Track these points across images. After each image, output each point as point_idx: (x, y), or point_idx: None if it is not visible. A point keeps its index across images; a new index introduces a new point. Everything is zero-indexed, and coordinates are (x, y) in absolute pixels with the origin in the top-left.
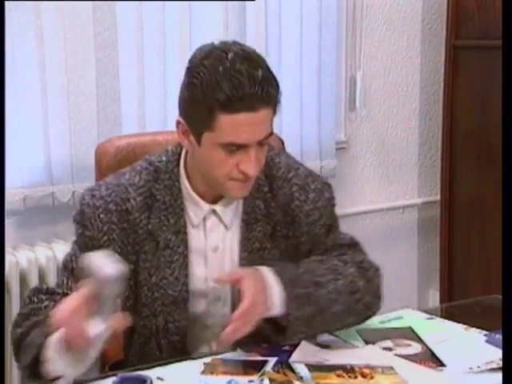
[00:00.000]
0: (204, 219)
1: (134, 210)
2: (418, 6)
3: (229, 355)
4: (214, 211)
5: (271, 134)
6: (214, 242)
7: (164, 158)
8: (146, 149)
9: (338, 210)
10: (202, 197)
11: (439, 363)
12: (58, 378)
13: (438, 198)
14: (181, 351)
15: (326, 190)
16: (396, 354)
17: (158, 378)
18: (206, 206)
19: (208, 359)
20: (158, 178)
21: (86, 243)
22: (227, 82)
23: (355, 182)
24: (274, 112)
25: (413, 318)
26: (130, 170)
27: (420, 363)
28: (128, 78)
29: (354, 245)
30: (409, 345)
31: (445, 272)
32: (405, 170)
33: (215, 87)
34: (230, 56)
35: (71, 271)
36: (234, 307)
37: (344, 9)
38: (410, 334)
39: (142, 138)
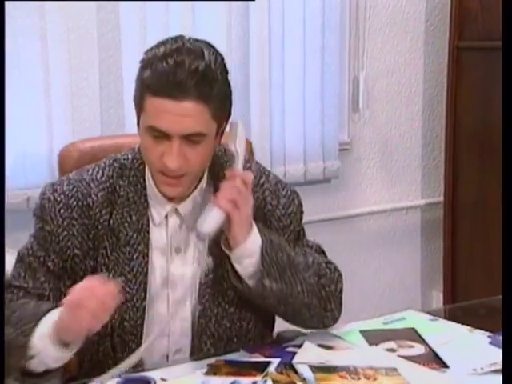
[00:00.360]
0: (166, 218)
1: (94, 205)
2: (422, 7)
3: (232, 356)
4: (176, 210)
5: (205, 134)
6: (176, 243)
7: (130, 156)
8: (109, 153)
9: (341, 212)
10: (166, 196)
11: (443, 365)
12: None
13: (442, 199)
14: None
15: (296, 197)
16: (399, 356)
17: (162, 379)
18: (169, 205)
19: (211, 360)
20: (122, 175)
21: (44, 237)
22: (159, 64)
23: (358, 183)
24: (214, 114)
25: (416, 320)
26: (94, 166)
27: (423, 364)
28: (131, 80)
29: (320, 251)
30: (412, 346)
31: (448, 273)
32: (408, 171)
33: (148, 68)
34: (178, 44)
35: (28, 264)
36: (195, 312)
37: (347, 9)
38: (414, 336)
39: (105, 141)
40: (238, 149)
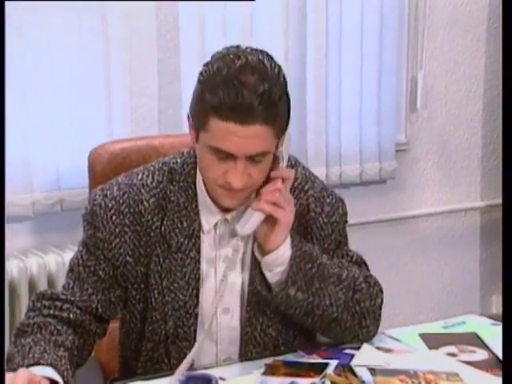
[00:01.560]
0: (215, 227)
1: (146, 212)
2: (484, 4)
3: (290, 357)
4: (225, 220)
5: (269, 152)
6: (224, 252)
7: (179, 160)
8: (141, 154)
9: (398, 213)
10: (217, 203)
11: None
12: None
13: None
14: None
15: (340, 205)
16: (460, 361)
17: (221, 378)
18: (219, 214)
19: (269, 360)
20: (172, 180)
21: (96, 244)
22: (224, 87)
23: (415, 184)
24: (276, 133)
25: (477, 324)
26: (143, 170)
27: (486, 371)
28: (189, 80)
29: (360, 263)
30: (474, 351)
31: None
32: (467, 172)
33: (213, 90)
34: (238, 63)
35: (78, 274)
36: (242, 321)
37: (406, 8)
38: (475, 340)
39: (136, 142)
40: (284, 152)
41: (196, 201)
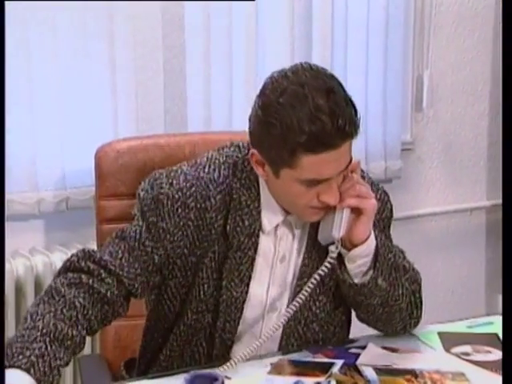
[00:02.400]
0: (276, 227)
1: (212, 209)
2: (491, 3)
3: (295, 356)
4: (287, 221)
5: (351, 159)
6: (282, 252)
7: (239, 154)
8: (149, 152)
9: (403, 212)
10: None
11: None
12: None
13: None
14: (226, 351)
15: (388, 200)
16: (472, 360)
17: (226, 377)
18: (282, 216)
19: (275, 359)
20: (235, 175)
21: (158, 233)
22: (309, 123)
23: (421, 183)
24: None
25: None
26: (208, 163)
27: (495, 371)
28: (195, 79)
29: (404, 256)
30: (489, 352)
31: None
32: (473, 171)
33: (296, 129)
34: (307, 90)
35: (132, 249)
36: (288, 320)
37: (412, 7)
38: (494, 341)
39: (142, 141)
40: None
41: (259, 200)
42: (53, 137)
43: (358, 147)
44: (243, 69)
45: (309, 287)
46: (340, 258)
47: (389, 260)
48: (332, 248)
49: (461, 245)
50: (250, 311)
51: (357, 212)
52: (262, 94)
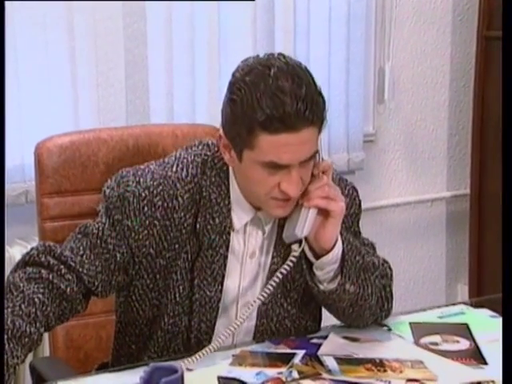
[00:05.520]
0: (246, 224)
1: (180, 208)
2: None
3: (257, 347)
4: (257, 218)
5: (316, 152)
6: (252, 248)
7: (209, 152)
8: (92, 147)
9: (366, 203)
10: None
11: (482, 361)
12: None
13: (468, 191)
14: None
15: (356, 195)
16: (440, 350)
17: (187, 369)
18: (252, 213)
19: (236, 351)
20: (204, 173)
21: (122, 231)
22: (268, 100)
23: (383, 174)
24: (320, 130)
25: (474, 315)
26: (176, 162)
27: (460, 359)
28: (157, 70)
29: (374, 249)
30: (457, 341)
31: (474, 266)
32: (433, 162)
33: (255, 106)
34: (272, 72)
35: (93, 246)
36: (259, 312)
37: (373, 0)
38: (464, 331)
39: (84, 135)
40: (320, 147)
41: (229, 197)
42: (12, 128)
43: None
44: (206, 60)
45: (271, 285)
46: (309, 263)
47: (357, 263)
48: (295, 247)
49: (422, 235)
50: (224, 310)
51: (325, 214)
52: (233, 74)
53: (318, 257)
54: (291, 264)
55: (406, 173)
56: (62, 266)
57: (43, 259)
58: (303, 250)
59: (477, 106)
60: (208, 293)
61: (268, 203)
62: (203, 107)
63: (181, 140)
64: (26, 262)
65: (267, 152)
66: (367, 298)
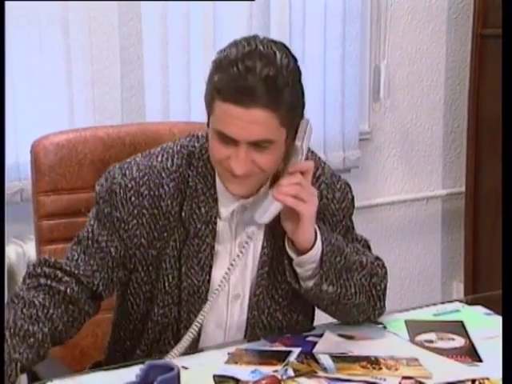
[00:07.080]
0: (233, 213)
1: (166, 196)
2: None
3: (253, 345)
4: (243, 206)
5: (273, 141)
6: (240, 238)
7: (196, 144)
8: (89, 145)
9: (361, 201)
10: (232, 193)
11: (477, 359)
12: None
13: (463, 189)
14: (195, 344)
15: (349, 190)
16: (435, 347)
17: (183, 367)
18: (237, 202)
19: (232, 349)
20: (190, 164)
21: (112, 223)
22: (229, 69)
23: (379, 172)
24: (283, 121)
25: (469, 313)
26: (162, 152)
27: (455, 357)
28: (152, 68)
29: (367, 246)
30: (452, 339)
31: (469, 264)
32: (429, 160)
33: (219, 71)
34: (248, 49)
35: (85, 248)
36: (250, 305)
37: None
38: (459, 329)
39: (81, 133)
40: (304, 146)
41: (214, 187)
42: (7, 127)
43: (316, 137)
44: (201, 58)
45: (226, 273)
46: (290, 259)
47: (337, 263)
48: (248, 230)
49: (417, 233)
50: (213, 300)
51: (295, 215)
52: None
53: (299, 254)
54: (243, 250)
55: (401, 171)
56: (58, 272)
57: (39, 270)
58: (284, 246)
59: (472, 104)
60: (196, 282)
61: (224, 175)
62: (199, 105)
63: (177, 138)
64: (24, 278)
65: (218, 119)
66: (350, 297)
